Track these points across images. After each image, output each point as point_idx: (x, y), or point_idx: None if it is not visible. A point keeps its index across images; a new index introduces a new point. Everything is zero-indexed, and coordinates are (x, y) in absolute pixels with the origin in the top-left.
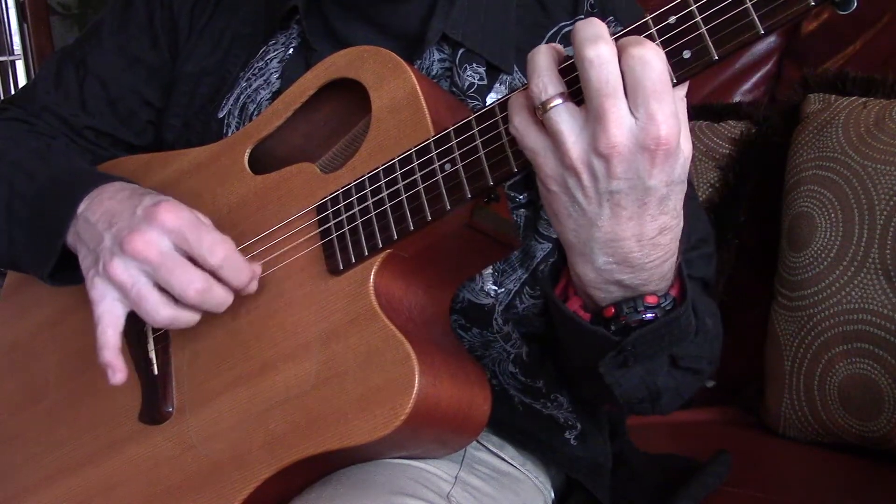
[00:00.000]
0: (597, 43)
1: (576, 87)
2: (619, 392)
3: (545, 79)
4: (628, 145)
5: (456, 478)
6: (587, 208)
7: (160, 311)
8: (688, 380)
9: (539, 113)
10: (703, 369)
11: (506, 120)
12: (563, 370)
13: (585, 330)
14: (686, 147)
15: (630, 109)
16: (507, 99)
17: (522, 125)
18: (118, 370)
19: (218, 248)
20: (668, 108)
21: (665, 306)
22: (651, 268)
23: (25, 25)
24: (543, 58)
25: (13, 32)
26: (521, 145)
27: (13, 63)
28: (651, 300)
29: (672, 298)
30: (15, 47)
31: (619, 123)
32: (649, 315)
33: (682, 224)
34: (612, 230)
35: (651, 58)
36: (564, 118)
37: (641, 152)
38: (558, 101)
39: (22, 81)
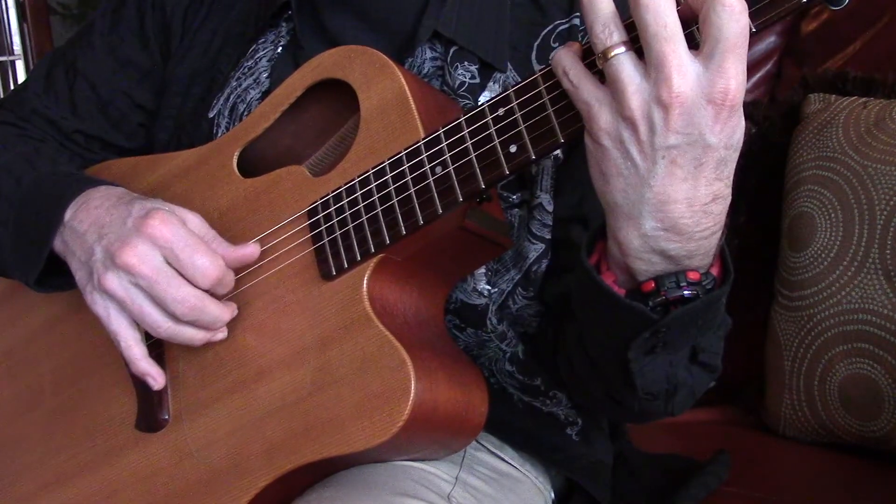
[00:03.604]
0: None
1: (637, 41)
2: (642, 383)
3: (611, 25)
4: (692, 96)
5: (456, 478)
6: (640, 164)
7: (161, 326)
8: (702, 377)
9: (599, 61)
10: (717, 367)
11: (496, 121)
12: (559, 371)
13: (621, 306)
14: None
15: (698, 59)
16: (555, 55)
17: (577, 76)
18: (157, 375)
19: (209, 271)
20: (743, 64)
21: (706, 285)
22: (700, 238)
23: (25, 25)
24: (606, 4)
25: (13, 32)
26: (574, 98)
27: (13, 63)
28: (693, 276)
29: (713, 277)
30: (15, 47)
31: (681, 71)
32: (689, 292)
33: (730, 198)
34: (664, 191)
35: (740, 10)
36: (626, 66)
37: (706, 105)
38: (622, 48)
39: (21, 81)
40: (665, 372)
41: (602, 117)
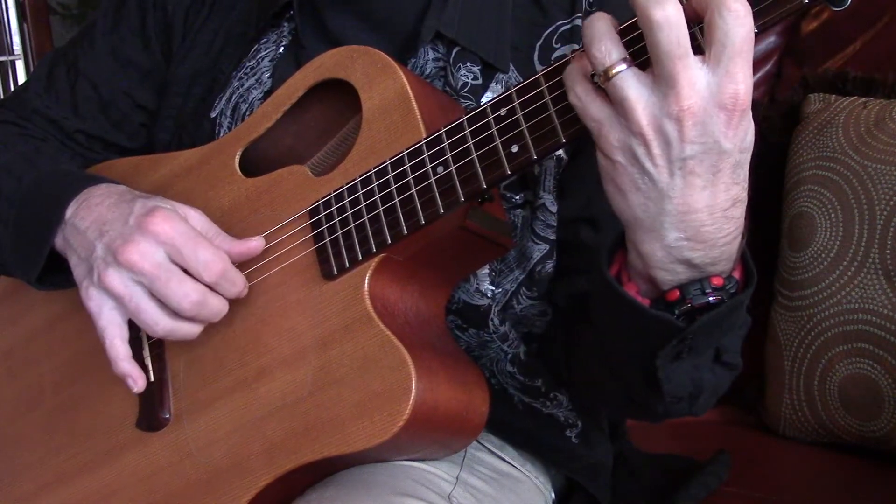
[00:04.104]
0: (663, 4)
1: (635, 48)
2: (668, 388)
3: (608, 43)
4: (703, 105)
5: (457, 478)
6: (658, 178)
7: (159, 323)
8: (725, 376)
9: (601, 80)
10: (738, 365)
11: (497, 121)
12: (566, 371)
13: (647, 317)
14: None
15: (706, 65)
16: (561, 70)
17: (584, 95)
18: (137, 378)
19: (212, 265)
20: (749, 67)
21: (729, 289)
22: (723, 244)
23: (25, 25)
24: (603, 23)
25: (13, 32)
26: (583, 116)
27: (13, 63)
28: (717, 282)
29: (735, 281)
30: (15, 47)
31: (692, 85)
32: (714, 298)
33: (746, 200)
34: (684, 202)
35: (745, 14)
36: (631, 84)
37: (718, 112)
38: (622, 66)
39: (21, 81)
40: (690, 376)
41: (613, 135)
